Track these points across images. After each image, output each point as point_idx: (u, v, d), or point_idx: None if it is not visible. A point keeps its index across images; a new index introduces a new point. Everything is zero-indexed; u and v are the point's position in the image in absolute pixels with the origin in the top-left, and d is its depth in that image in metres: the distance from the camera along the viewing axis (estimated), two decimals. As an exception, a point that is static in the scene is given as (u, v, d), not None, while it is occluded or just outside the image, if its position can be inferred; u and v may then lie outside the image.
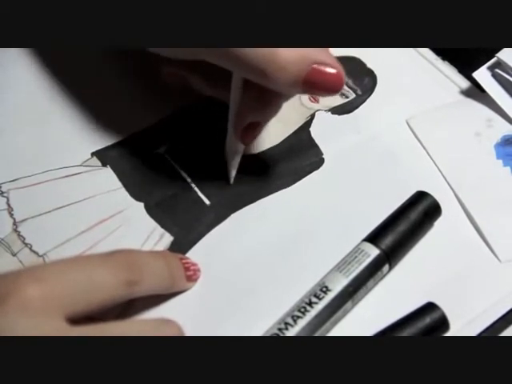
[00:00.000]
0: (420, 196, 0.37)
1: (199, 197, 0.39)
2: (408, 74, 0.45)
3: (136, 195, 0.39)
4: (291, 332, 0.32)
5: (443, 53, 0.45)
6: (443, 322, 0.32)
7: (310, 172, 0.40)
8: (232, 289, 0.35)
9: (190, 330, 0.32)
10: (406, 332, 0.32)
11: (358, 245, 0.35)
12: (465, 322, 0.34)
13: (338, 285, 0.33)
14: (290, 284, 0.35)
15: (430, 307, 0.33)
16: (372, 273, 0.34)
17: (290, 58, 0.32)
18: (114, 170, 0.40)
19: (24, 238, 0.37)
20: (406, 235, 0.35)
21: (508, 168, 0.39)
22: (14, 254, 0.36)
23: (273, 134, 0.41)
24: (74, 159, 0.40)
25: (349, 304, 0.33)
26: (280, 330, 0.32)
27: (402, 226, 0.35)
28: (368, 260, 0.34)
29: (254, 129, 0.37)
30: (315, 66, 0.32)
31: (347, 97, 0.43)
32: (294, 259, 0.36)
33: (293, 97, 0.37)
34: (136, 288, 0.31)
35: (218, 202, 0.39)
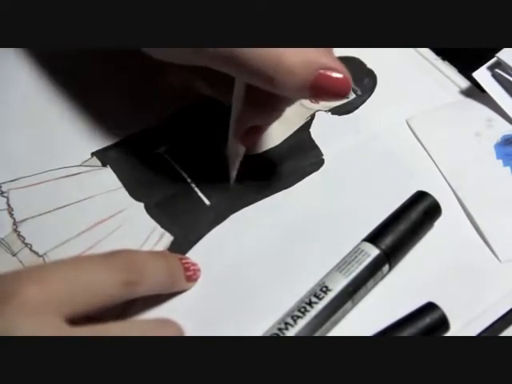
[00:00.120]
0: (420, 196, 0.37)
1: (199, 197, 0.39)
2: (408, 73, 0.45)
3: (136, 195, 0.39)
4: (291, 332, 0.32)
5: (443, 53, 0.45)
6: (443, 322, 0.32)
7: (310, 172, 0.40)
8: (232, 289, 0.35)
9: (190, 330, 0.32)
10: (406, 332, 0.32)
11: (358, 245, 0.35)
12: (465, 322, 0.34)
13: (338, 285, 0.33)
14: (290, 284, 0.35)
15: (429, 307, 0.33)
16: (372, 273, 0.34)
17: (297, 62, 0.31)
18: (114, 170, 0.40)
19: (24, 238, 0.37)
20: (406, 235, 0.35)
21: (508, 168, 0.39)
22: (14, 254, 0.36)
23: (273, 134, 0.41)
24: (74, 159, 0.40)
25: (349, 304, 0.33)
26: (280, 329, 0.32)
27: (402, 226, 0.35)
28: (368, 260, 0.34)
29: (255, 132, 0.37)
30: (322, 71, 0.32)
31: (347, 97, 0.43)
32: (294, 259, 0.36)
33: (296, 101, 0.37)
34: (136, 288, 0.31)
35: (218, 202, 0.39)
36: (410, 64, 0.45)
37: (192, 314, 0.34)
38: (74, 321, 0.29)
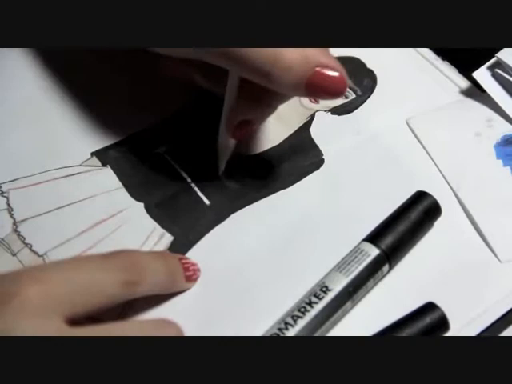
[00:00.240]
0: (420, 196, 0.37)
1: (199, 197, 0.39)
2: (408, 74, 0.45)
3: (136, 195, 0.39)
4: (291, 332, 0.32)
5: (443, 53, 0.45)
6: (443, 322, 0.32)
7: (310, 172, 0.40)
8: (232, 289, 0.35)
9: (190, 330, 0.32)
10: (406, 332, 0.32)
11: (358, 245, 0.35)
12: (465, 322, 0.34)
13: (337, 285, 0.33)
14: (290, 284, 0.35)
15: (429, 307, 0.33)
16: (372, 273, 0.34)
17: (294, 59, 0.32)
18: (114, 170, 0.40)
19: (24, 238, 0.37)
20: (406, 235, 0.35)
21: (508, 168, 0.39)
22: (14, 254, 0.36)
23: (273, 134, 0.41)
24: (73, 159, 0.40)
25: (349, 304, 0.33)
26: (280, 329, 0.32)
27: (402, 226, 0.35)
28: (368, 260, 0.34)
29: (246, 126, 0.37)
30: (318, 68, 0.32)
31: (347, 97, 0.43)
32: (294, 259, 0.36)
33: (289, 99, 0.37)
34: (136, 288, 0.31)
35: (218, 202, 0.38)
36: (410, 64, 0.45)
37: (192, 314, 0.34)
38: (74, 321, 0.29)
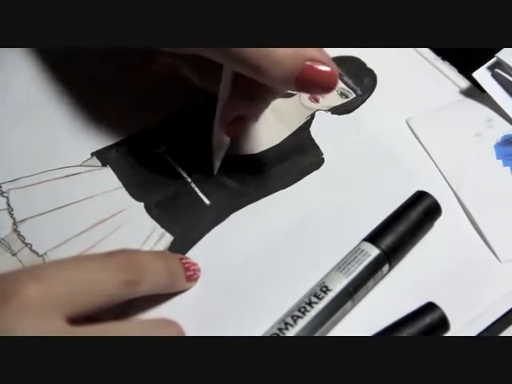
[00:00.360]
0: (420, 196, 0.37)
1: (199, 197, 0.39)
2: (408, 74, 0.45)
3: (136, 195, 0.39)
4: (291, 332, 0.32)
5: (443, 53, 0.45)
6: (443, 322, 0.32)
7: (310, 172, 0.40)
8: (232, 289, 0.35)
9: (190, 330, 0.32)
10: (406, 332, 0.32)
11: (358, 245, 0.35)
12: (465, 322, 0.33)
13: (338, 285, 0.33)
14: (290, 284, 0.35)
15: (429, 307, 0.33)
16: (372, 273, 0.34)
17: (285, 53, 0.32)
18: (114, 170, 0.40)
19: (24, 238, 0.37)
20: (406, 235, 0.35)
21: (508, 168, 0.39)
22: (14, 254, 0.36)
23: (273, 133, 0.41)
24: (74, 159, 0.40)
25: (349, 304, 0.33)
26: (280, 329, 0.32)
27: (402, 226, 0.35)
28: (368, 260, 0.34)
29: (240, 122, 0.37)
30: (309, 63, 0.32)
31: (347, 97, 0.43)
32: (294, 259, 0.36)
33: (282, 95, 0.37)
34: (136, 288, 0.31)
35: (218, 202, 0.38)
36: (410, 64, 0.45)
37: (192, 314, 0.34)
38: (74, 320, 0.29)
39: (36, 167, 0.40)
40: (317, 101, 0.43)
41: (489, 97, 0.42)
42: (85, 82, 0.43)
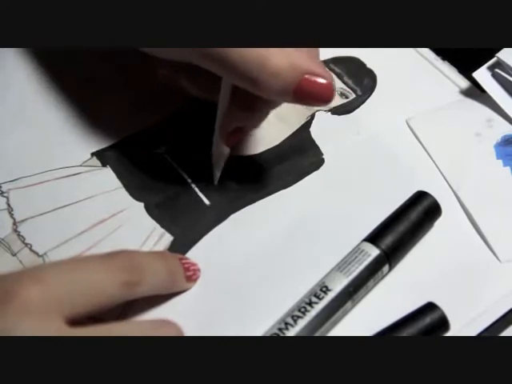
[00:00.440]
0: (420, 196, 0.37)
1: (199, 197, 0.39)
2: (408, 73, 0.45)
3: (136, 195, 0.39)
4: (291, 332, 0.32)
5: (443, 53, 0.45)
6: (443, 322, 0.32)
7: (310, 172, 0.40)
8: (232, 289, 0.35)
9: (189, 330, 0.32)
10: (406, 332, 0.32)
11: (358, 245, 0.35)
12: (465, 322, 0.34)
13: (338, 285, 0.33)
14: (290, 284, 0.35)
15: (429, 307, 0.33)
16: (372, 273, 0.34)
17: (282, 65, 0.32)
18: (114, 170, 0.40)
19: (24, 238, 0.37)
20: (406, 235, 0.35)
21: (508, 168, 0.39)
22: (14, 254, 0.36)
23: (273, 134, 0.41)
24: (74, 159, 0.40)
25: (349, 304, 0.33)
26: (280, 329, 0.32)
27: (402, 226, 0.35)
28: (368, 260, 0.34)
29: (239, 133, 0.37)
30: (307, 76, 0.32)
31: (347, 97, 0.43)
32: (294, 259, 0.36)
33: (280, 105, 0.37)
34: (136, 289, 0.31)
35: (218, 202, 0.38)
36: (410, 64, 0.45)
37: (192, 314, 0.34)
38: (74, 321, 0.29)
39: (36, 167, 0.40)
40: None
41: (489, 97, 0.42)
42: (84, 82, 0.43)
